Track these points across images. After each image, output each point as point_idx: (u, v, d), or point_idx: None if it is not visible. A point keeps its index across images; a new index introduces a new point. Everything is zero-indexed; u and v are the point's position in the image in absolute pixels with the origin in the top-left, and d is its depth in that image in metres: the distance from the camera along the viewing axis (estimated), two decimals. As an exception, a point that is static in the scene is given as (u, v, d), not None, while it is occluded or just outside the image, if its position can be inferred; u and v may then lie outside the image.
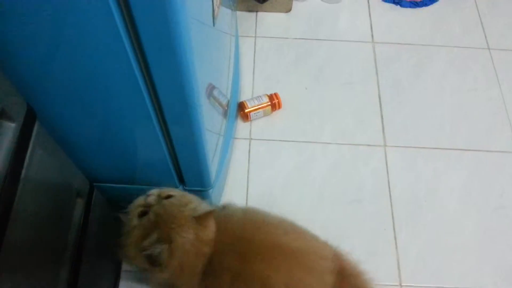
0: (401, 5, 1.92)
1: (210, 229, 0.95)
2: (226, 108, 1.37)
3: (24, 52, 0.70)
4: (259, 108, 1.56)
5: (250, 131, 1.58)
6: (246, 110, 1.55)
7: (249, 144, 1.55)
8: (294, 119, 1.63)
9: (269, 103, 1.57)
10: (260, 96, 1.58)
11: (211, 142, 1.09)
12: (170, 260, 0.89)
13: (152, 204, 0.95)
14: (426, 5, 1.93)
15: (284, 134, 1.59)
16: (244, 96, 1.64)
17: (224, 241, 0.96)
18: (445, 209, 1.51)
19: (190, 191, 1.15)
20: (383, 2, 1.94)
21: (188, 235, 0.91)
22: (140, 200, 0.98)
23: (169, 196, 0.97)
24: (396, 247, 1.43)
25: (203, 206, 0.98)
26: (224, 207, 1.16)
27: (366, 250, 1.39)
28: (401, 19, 1.91)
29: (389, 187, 1.53)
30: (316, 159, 1.56)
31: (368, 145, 1.61)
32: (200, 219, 0.93)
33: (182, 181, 1.14)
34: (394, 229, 1.46)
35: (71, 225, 0.89)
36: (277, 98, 1.58)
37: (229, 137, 1.44)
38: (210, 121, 1.07)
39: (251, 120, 1.59)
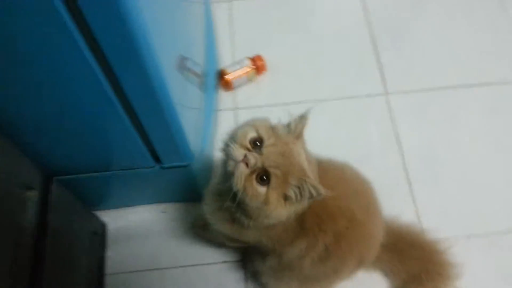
0: None
1: None
2: (201, 78, 1.23)
3: None
4: (242, 73, 1.41)
5: (235, 100, 1.43)
6: (226, 77, 1.40)
7: (235, 114, 1.41)
8: (282, 80, 1.48)
9: (253, 66, 1.42)
10: (241, 60, 1.43)
11: (186, 116, 0.96)
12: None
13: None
14: None
15: (274, 98, 1.44)
16: (224, 64, 1.48)
17: None
18: (465, 153, 1.35)
19: (168, 168, 1.02)
20: None
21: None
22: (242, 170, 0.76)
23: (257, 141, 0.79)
24: (414, 202, 1.28)
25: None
26: None
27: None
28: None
29: (397, 137, 1.37)
30: (314, 119, 1.40)
31: (369, 95, 1.45)
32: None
33: (157, 159, 1.01)
34: (409, 181, 1.31)
35: (22, 230, 0.76)
36: (260, 60, 1.43)
37: (210, 109, 1.30)
38: (181, 93, 0.94)
39: (234, 88, 1.44)
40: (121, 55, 0.67)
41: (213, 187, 0.92)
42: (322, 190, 0.73)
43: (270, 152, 0.76)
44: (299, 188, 0.75)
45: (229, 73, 1.40)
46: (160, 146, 0.95)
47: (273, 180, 0.75)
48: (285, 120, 0.83)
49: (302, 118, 0.81)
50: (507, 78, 1.47)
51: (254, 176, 0.75)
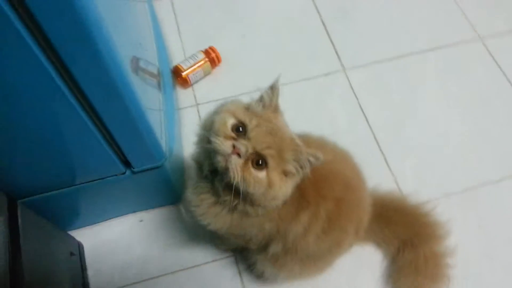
0: None
1: None
2: (158, 78, 1.17)
3: None
4: (197, 67, 1.35)
5: (195, 96, 1.38)
6: (183, 74, 1.34)
7: (198, 111, 1.35)
8: (239, 71, 1.44)
9: (206, 58, 1.37)
10: (194, 55, 1.38)
11: (152, 116, 0.90)
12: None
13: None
14: None
15: (233, 89, 1.39)
16: (177, 61, 1.42)
17: None
18: (429, 115, 1.38)
19: (140, 172, 0.95)
20: None
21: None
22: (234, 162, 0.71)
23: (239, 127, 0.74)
24: (390, 169, 1.28)
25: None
26: None
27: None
28: None
29: (362, 110, 1.37)
30: (276, 105, 1.38)
31: (327, 74, 1.44)
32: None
33: (128, 164, 0.93)
34: (381, 151, 1.31)
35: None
36: (214, 52, 1.38)
37: (171, 109, 1.24)
38: (143, 93, 0.88)
39: (192, 84, 1.38)
40: (76, 51, 0.60)
41: (195, 188, 0.86)
42: (320, 155, 0.71)
43: (257, 135, 0.72)
44: (296, 160, 0.72)
45: (184, 70, 1.34)
46: (130, 149, 0.88)
47: (270, 161, 0.72)
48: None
49: (273, 89, 0.78)
50: (454, 40, 1.52)
51: (249, 164, 0.71)
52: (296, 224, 0.84)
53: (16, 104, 0.67)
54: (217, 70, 1.42)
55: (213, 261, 1.14)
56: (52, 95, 0.66)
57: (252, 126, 0.73)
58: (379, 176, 1.24)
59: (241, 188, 0.71)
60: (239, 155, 0.70)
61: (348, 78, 1.44)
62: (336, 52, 1.49)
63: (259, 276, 1.07)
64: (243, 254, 1.11)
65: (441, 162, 1.30)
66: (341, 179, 0.88)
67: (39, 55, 0.58)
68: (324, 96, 1.41)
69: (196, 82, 1.39)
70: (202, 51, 1.38)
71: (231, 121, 0.74)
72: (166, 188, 1.06)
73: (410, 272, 1.06)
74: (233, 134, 0.73)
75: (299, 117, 1.35)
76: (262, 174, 0.72)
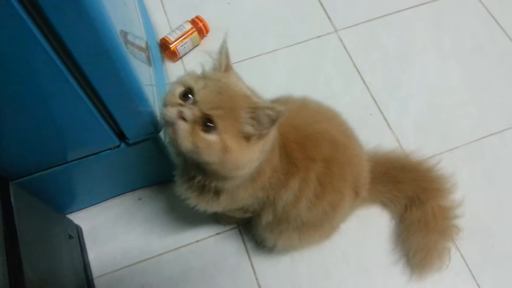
0: None
1: None
2: (146, 52, 1.12)
3: None
4: (184, 38, 1.30)
5: (184, 69, 1.33)
6: (171, 46, 1.29)
7: (189, 82, 1.30)
8: (228, 40, 1.38)
9: (194, 28, 1.32)
10: (181, 25, 1.32)
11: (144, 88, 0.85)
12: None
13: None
14: None
15: (224, 59, 1.34)
16: (163, 34, 1.37)
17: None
18: (425, 70, 1.35)
19: (135, 144, 0.91)
20: None
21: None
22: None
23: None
24: (390, 128, 1.25)
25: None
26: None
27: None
28: None
29: (358, 70, 1.34)
30: (269, 72, 1.34)
31: (319, 36, 1.40)
32: None
33: (122, 137, 0.89)
34: (380, 111, 1.28)
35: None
36: (201, 21, 1.33)
37: (162, 84, 1.19)
38: (135, 64, 0.83)
39: (181, 57, 1.33)
40: (70, 19, 0.57)
41: (180, 177, 0.83)
42: (280, 107, 0.65)
43: (204, 95, 0.67)
44: (253, 119, 0.66)
45: (172, 42, 1.29)
46: (124, 118, 0.83)
47: (219, 122, 0.66)
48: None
49: (222, 49, 0.73)
50: (444, -8, 1.48)
51: (198, 128, 0.66)
52: (286, 191, 0.81)
53: (5, 77, 0.63)
54: (206, 40, 1.37)
55: (216, 234, 1.11)
56: (44, 65, 0.63)
57: (198, 88, 0.68)
58: (380, 136, 1.22)
59: (195, 158, 0.67)
60: (185, 120, 0.66)
61: (340, 39, 1.39)
62: (327, 13, 1.44)
63: (261, 244, 1.05)
64: (248, 226, 1.08)
65: (442, 117, 1.27)
66: (327, 139, 0.84)
67: (30, 24, 0.56)
68: (317, 59, 1.37)
69: (185, 54, 1.34)
70: (188, 21, 1.33)
71: (179, 89, 0.70)
72: (162, 161, 1.02)
73: (420, 229, 1.04)
74: (180, 101, 0.68)
75: (294, 81, 1.32)
76: (212, 137, 0.66)
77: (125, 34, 0.86)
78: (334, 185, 0.86)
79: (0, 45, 0.57)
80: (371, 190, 1.02)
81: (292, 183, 0.81)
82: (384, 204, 1.12)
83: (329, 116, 0.92)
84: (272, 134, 0.72)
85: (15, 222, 0.71)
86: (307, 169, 0.81)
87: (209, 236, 1.10)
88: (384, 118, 1.27)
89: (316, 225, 0.94)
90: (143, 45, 1.10)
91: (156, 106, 1.00)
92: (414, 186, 1.06)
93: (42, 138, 0.79)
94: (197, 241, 1.10)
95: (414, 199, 1.06)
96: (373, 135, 1.16)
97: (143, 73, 1.00)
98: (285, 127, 0.79)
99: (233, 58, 1.30)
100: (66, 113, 0.76)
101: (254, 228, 1.00)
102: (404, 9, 1.45)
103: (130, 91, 0.77)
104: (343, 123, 0.93)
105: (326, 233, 1.04)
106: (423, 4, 1.46)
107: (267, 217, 0.89)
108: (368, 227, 1.12)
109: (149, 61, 1.13)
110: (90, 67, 0.67)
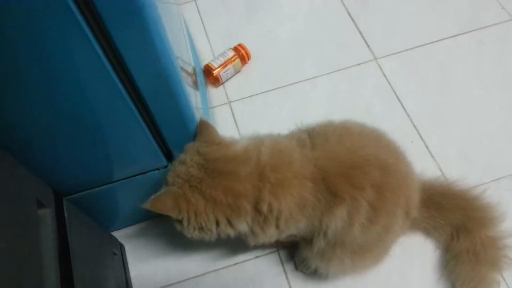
0: None
1: None
2: (193, 77, 1.16)
3: None
4: (227, 64, 1.33)
5: (226, 94, 1.36)
6: (214, 72, 1.32)
7: (230, 108, 1.33)
8: (268, 66, 1.42)
9: (236, 55, 1.35)
10: (224, 52, 1.36)
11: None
12: None
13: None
14: None
15: (264, 85, 1.37)
16: (207, 60, 1.41)
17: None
18: (467, 98, 1.33)
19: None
20: None
21: None
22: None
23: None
24: (432, 156, 1.23)
25: None
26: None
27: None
28: None
29: (398, 98, 1.34)
30: (309, 97, 1.35)
31: (358, 64, 1.41)
32: None
33: (170, 157, 0.91)
34: (421, 138, 1.26)
35: (43, 252, 0.64)
36: (243, 49, 1.37)
37: (206, 109, 1.22)
38: (187, 90, 0.86)
39: (223, 82, 1.37)
40: (131, 39, 0.60)
41: None
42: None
43: None
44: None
45: (215, 68, 1.32)
46: (173, 139, 0.86)
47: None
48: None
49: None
50: (485, 23, 1.48)
51: None
52: (333, 220, 0.81)
53: (68, 98, 0.66)
54: (247, 67, 1.40)
55: (255, 257, 1.10)
56: (105, 87, 0.66)
57: None
58: (421, 164, 1.19)
59: None
60: None
61: (380, 67, 1.40)
62: (365, 41, 1.46)
63: (313, 273, 1.03)
64: (288, 250, 1.07)
65: (485, 144, 1.24)
66: (377, 165, 0.82)
67: (98, 52, 0.59)
68: (357, 85, 1.37)
69: (227, 80, 1.37)
70: (231, 48, 1.37)
71: None
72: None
73: (468, 259, 1.00)
74: None
75: (333, 107, 1.33)
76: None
77: (177, 58, 0.89)
78: (388, 209, 0.84)
79: (65, 64, 0.60)
80: (415, 217, 1.00)
81: (338, 212, 0.80)
82: (428, 232, 1.09)
83: (375, 138, 0.91)
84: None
85: (68, 238, 0.72)
86: (355, 198, 0.80)
87: (249, 259, 1.10)
88: (426, 145, 1.25)
89: (370, 248, 0.92)
90: (191, 70, 1.14)
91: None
92: (459, 214, 1.04)
93: (97, 156, 0.82)
94: (236, 263, 1.09)
95: (461, 228, 1.03)
96: (415, 163, 1.13)
97: (191, 96, 1.03)
98: (324, 160, 0.80)
99: (273, 85, 1.34)
100: (121, 132, 0.78)
101: (301, 254, 0.99)
102: (444, 38, 1.45)
103: (182, 112, 0.79)
104: (390, 143, 0.92)
105: (378, 257, 1.02)
106: (463, 33, 1.46)
107: (318, 244, 0.88)
108: (412, 256, 1.09)
109: (196, 86, 1.17)
110: (148, 88, 0.70)
